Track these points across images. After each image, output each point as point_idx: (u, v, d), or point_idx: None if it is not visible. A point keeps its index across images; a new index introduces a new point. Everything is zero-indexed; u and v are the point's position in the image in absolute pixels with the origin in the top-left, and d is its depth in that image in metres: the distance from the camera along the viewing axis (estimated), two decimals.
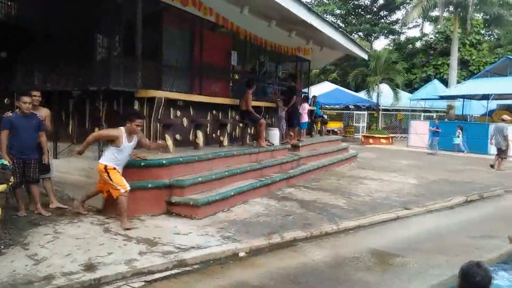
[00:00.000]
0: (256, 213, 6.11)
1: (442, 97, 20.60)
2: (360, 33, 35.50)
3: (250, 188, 6.92)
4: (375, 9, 36.04)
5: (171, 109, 7.21)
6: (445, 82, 24.26)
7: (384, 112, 26.40)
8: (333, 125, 23.89)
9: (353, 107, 27.47)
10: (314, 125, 14.11)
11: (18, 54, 7.85)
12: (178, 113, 7.42)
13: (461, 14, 23.19)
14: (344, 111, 28.36)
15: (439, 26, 28.51)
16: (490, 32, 33.48)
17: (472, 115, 23.12)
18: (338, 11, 35.18)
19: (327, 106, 25.66)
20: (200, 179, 6.14)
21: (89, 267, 3.82)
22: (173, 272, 4.02)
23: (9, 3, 8.27)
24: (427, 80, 27.72)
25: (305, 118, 11.72)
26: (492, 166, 12.28)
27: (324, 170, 10.36)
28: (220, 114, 8.69)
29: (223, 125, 8.34)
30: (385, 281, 4.04)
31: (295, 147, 10.09)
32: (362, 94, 25.79)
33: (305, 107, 11.98)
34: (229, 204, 6.32)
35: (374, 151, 16.98)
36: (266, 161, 8.24)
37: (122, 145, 5.13)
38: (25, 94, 5.26)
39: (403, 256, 4.71)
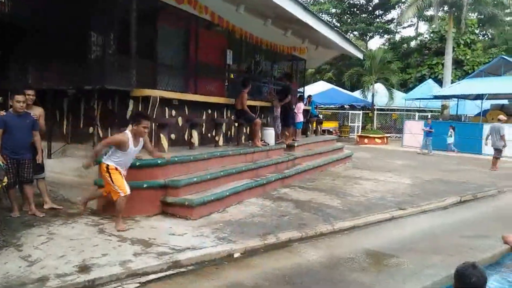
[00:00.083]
0: (251, 214, 6.10)
1: (436, 97, 20.71)
2: (355, 33, 35.63)
3: (245, 188, 6.91)
4: (370, 8, 36.17)
5: (166, 108, 7.17)
6: (439, 82, 24.38)
7: (379, 112, 26.50)
8: (328, 125, 23.93)
9: (348, 106, 27.54)
10: (310, 125, 14.12)
11: (11, 52, 7.77)
12: (173, 112, 7.39)
13: (456, 14, 23.32)
14: (339, 111, 28.42)
15: (433, 26, 28.68)
16: (484, 32, 33.75)
17: (466, 115, 23.26)
18: (333, 10, 35.30)
19: (322, 106, 25.68)
20: (195, 179, 6.12)
21: (83, 268, 3.79)
22: (167, 273, 3.99)
23: (3, 1, 8.18)
24: (421, 79, 27.86)
25: (300, 118, 11.72)
26: (493, 167, 12.22)
27: (319, 170, 10.38)
28: (215, 113, 8.66)
29: (218, 124, 8.32)
30: (380, 281, 4.05)
31: (290, 147, 10.10)
32: (357, 94, 25.84)
33: (300, 107, 11.98)
34: (224, 204, 6.31)
35: (369, 151, 17.03)
36: (261, 161, 8.24)
37: (128, 149, 4.97)
38: (19, 93, 5.20)
39: (397, 256, 4.73)
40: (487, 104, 19.64)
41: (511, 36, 29.36)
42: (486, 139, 12.77)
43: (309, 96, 15.69)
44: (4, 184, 4.57)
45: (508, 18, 29.74)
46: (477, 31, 31.00)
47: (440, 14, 26.67)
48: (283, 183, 8.31)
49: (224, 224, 5.50)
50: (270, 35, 10.65)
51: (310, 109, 14.43)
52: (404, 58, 31.78)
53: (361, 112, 26.67)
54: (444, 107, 23.25)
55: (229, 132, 9.27)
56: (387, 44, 36.53)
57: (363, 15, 35.90)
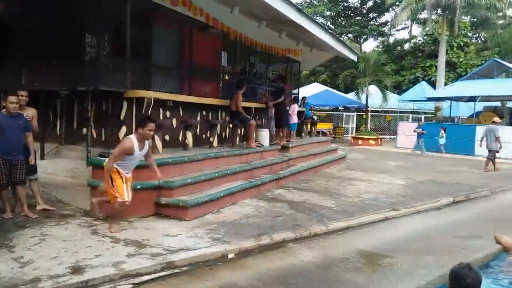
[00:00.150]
0: (245, 214, 6.10)
1: (429, 99, 20.85)
2: (350, 35, 35.79)
3: (240, 189, 6.92)
4: (364, 11, 36.32)
5: (161, 109, 7.15)
6: (433, 84, 24.54)
7: (373, 114, 26.62)
8: (322, 126, 23.99)
9: (342, 108, 27.63)
10: (304, 126, 14.16)
11: (5, 53, 7.71)
12: (168, 113, 7.37)
13: (449, 17, 23.52)
14: (334, 113, 28.51)
15: (427, 29, 28.89)
16: (477, 35, 34.03)
17: (459, 117, 23.43)
18: (328, 13, 35.36)
19: (316, 107, 25.75)
20: (189, 180, 6.12)
21: (76, 269, 3.77)
22: (161, 274, 3.98)
23: None
24: (415, 82, 28.04)
25: (294, 119, 11.75)
26: (494, 169, 12.29)
27: (314, 171, 10.40)
28: (210, 114, 8.65)
29: (213, 126, 8.32)
30: (374, 282, 4.07)
31: (285, 148, 10.12)
32: (351, 96, 25.95)
33: (295, 108, 12.00)
34: (219, 205, 6.30)
35: (363, 152, 17.09)
36: (256, 162, 8.24)
37: (133, 154, 4.88)
38: (12, 94, 5.19)
39: (391, 256, 4.75)
40: (480, 106, 19.79)
41: (504, 39, 29.59)
42: (481, 141, 12.85)
43: (304, 98, 15.73)
44: None
45: (500, 21, 30.00)
46: (470, 34, 31.26)
47: (433, 17, 26.85)
48: (278, 184, 8.32)
49: (218, 225, 5.50)
50: (265, 37, 10.67)
51: (305, 111, 14.47)
52: (398, 61, 31.96)
53: (355, 113, 26.76)
54: (437, 108, 23.40)
55: (223, 134, 9.26)
56: (381, 46, 36.72)
57: (357, 18, 36.05)
